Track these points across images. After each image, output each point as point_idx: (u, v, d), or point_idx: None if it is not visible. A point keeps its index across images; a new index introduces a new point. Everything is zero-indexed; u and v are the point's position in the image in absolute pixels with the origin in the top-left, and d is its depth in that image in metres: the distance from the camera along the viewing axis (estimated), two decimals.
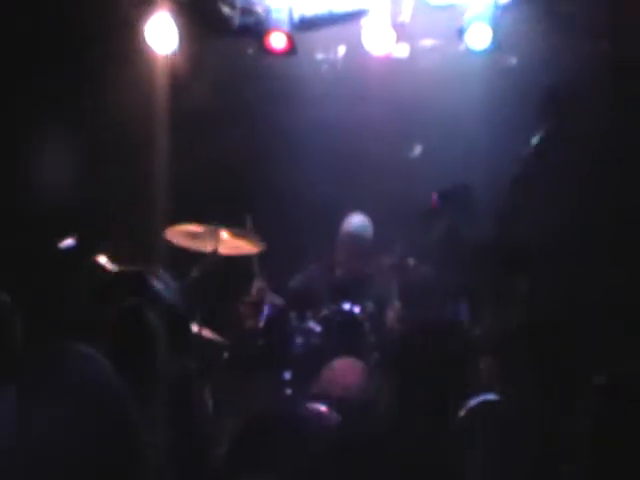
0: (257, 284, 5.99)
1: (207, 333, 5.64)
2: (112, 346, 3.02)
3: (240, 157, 6.96)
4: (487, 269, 5.50)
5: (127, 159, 6.64)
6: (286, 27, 6.34)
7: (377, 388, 5.48)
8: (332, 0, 6.40)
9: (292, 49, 6.36)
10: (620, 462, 2.85)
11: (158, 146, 6.34)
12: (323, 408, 5.35)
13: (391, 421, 5.26)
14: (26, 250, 6.04)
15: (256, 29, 6.41)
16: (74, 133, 6.69)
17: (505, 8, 6.25)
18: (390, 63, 6.59)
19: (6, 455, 1.65)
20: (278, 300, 5.99)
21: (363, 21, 6.41)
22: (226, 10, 6.43)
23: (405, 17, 6.37)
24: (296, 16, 6.40)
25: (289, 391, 5.66)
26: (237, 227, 5.83)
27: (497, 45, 6.27)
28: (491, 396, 5.10)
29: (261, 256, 6.00)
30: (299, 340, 5.75)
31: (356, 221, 6.41)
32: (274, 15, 6.33)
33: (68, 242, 5.40)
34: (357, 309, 5.87)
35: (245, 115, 7.05)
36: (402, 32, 6.40)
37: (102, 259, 4.89)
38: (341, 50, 6.98)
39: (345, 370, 5.60)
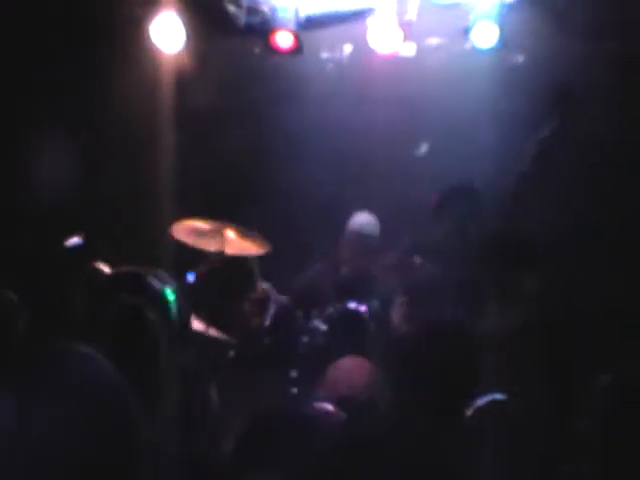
0: (260, 285, 5.99)
1: (213, 331, 5.65)
2: (112, 344, 3.04)
3: (245, 156, 6.96)
4: (493, 266, 5.49)
5: (132, 157, 6.64)
6: (292, 26, 6.34)
7: (383, 387, 5.47)
8: None
9: (298, 48, 6.36)
10: (630, 463, 2.85)
11: (163, 145, 6.35)
12: (330, 407, 5.34)
13: (399, 420, 5.24)
14: (26, 250, 6.04)
15: (262, 28, 6.41)
16: (75, 132, 6.69)
17: (511, 6, 6.25)
18: (396, 62, 6.58)
19: (6, 455, 1.65)
20: (283, 299, 5.99)
21: (369, 20, 6.41)
22: (232, 9, 6.44)
23: (411, 16, 6.37)
24: (302, 15, 6.41)
25: (295, 390, 5.66)
26: (243, 226, 5.84)
27: (503, 43, 6.27)
28: (499, 395, 5.08)
29: (266, 255, 6.00)
30: (305, 339, 5.75)
31: (362, 219, 6.40)
32: (280, 14, 6.34)
33: (75, 241, 5.39)
34: (363, 308, 5.86)
35: (250, 114, 7.05)
36: (408, 31, 6.40)
37: (101, 265, 4.88)
38: (347, 49, 6.98)
39: (352, 369, 5.58)
